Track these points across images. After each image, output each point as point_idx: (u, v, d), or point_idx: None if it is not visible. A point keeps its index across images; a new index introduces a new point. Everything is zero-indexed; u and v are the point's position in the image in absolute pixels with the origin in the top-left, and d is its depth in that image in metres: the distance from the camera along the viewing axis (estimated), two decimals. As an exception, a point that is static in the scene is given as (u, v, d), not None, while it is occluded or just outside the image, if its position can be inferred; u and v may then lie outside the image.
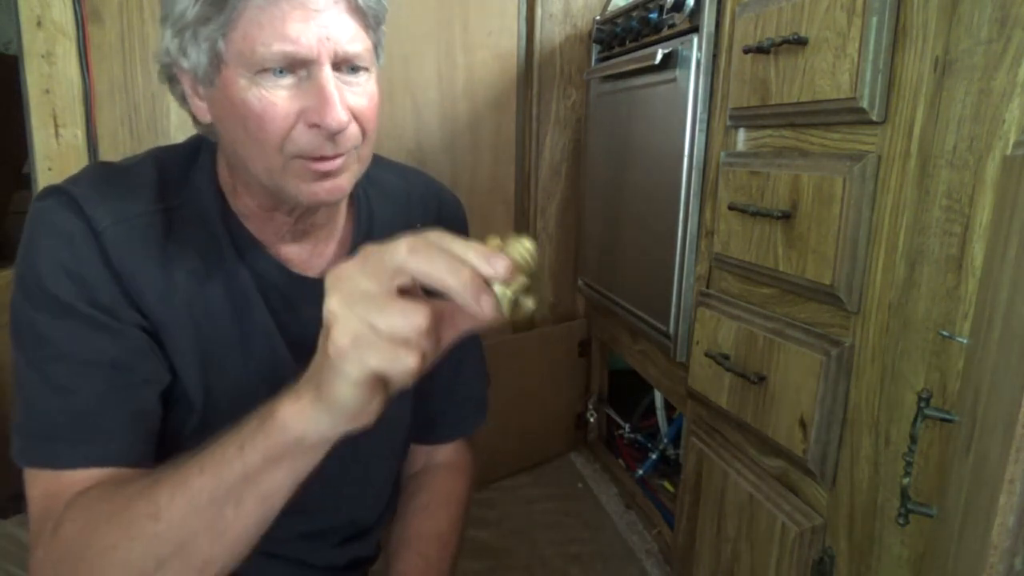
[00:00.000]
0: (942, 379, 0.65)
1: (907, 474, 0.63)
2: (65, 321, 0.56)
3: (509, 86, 1.71)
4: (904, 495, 0.63)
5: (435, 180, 0.83)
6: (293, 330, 0.66)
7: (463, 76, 1.65)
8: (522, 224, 1.80)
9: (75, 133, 1.22)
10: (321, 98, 0.54)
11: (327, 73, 0.55)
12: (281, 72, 0.54)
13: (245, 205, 0.64)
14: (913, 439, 0.62)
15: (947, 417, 0.61)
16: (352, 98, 0.57)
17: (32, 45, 1.15)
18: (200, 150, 0.66)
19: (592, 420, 1.92)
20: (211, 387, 0.62)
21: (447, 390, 0.82)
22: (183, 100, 0.61)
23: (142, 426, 0.60)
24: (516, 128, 1.74)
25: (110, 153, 1.25)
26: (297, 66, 0.54)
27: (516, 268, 0.41)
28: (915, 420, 0.61)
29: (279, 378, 0.64)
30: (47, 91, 1.18)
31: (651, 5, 1.32)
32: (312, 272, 0.68)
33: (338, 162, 0.58)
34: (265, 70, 0.54)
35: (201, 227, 0.62)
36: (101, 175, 0.62)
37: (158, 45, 0.58)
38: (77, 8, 1.18)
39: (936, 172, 0.66)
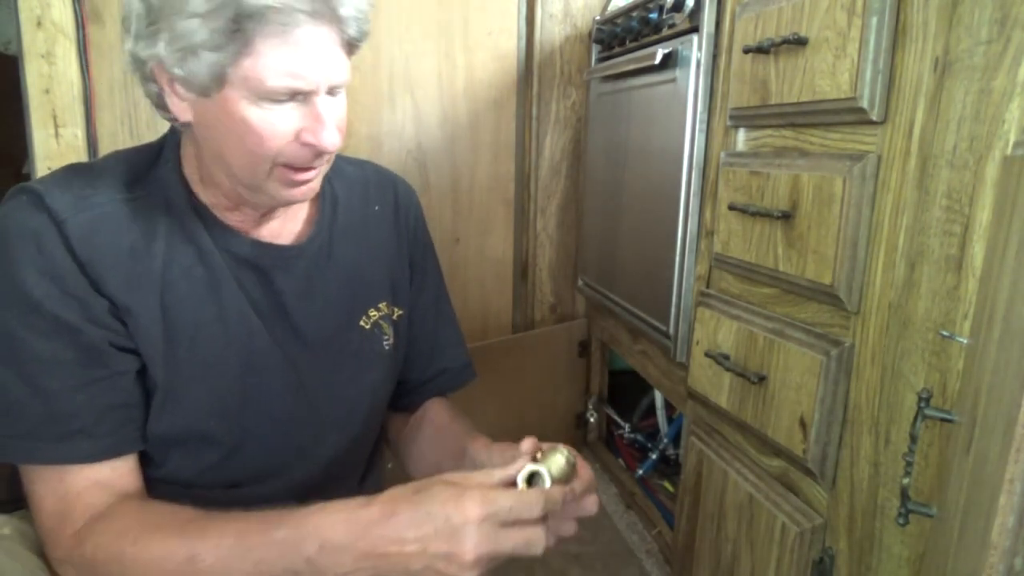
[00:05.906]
0: (942, 379, 0.65)
1: (907, 474, 0.63)
2: (37, 319, 0.58)
3: (509, 86, 1.71)
4: (904, 495, 0.63)
5: (386, 168, 0.89)
6: (265, 297, 0.71)
7: (463, 76, 1.65)
8: (522, 224, 1.80)
9: (75, 133, 1.22)
10: (319, 123, 0.61)
11: (323, 100, 0.61)
12: (282, 99, 0.59)
13: (213, 196, 0.68)
14: (913, 439, 0.62)
15: (947, 417, 0.61)
16: (335, 115, 0.63)
17: (32, 45, 1.15)
18: (164, 147, 0.70)
19: (592, 420, 1.92)
20: (177, 364, 0.65)
21: (426, 359, 0.89)
22: (158, 97, 0.64)
23: (126, 416, 0.63)
24: (516, 128, 1.74)
25: (110, 153, 1.25)
26: (297, 94, 0.60)
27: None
28: (915, 420, 0.61)
29: (253, 346, 0.70)
30: (47, 91, 1.18)
31: (651, 5, 1.32)
32: (281, 241, 0.73)
33: (318, 170, 0.65)
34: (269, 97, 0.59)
35: (167, 214, 0.66)
36: (67, 172, 0.65)
37: (147, 50, 0.59)
38: (77, 8, 1.18)
39: (936, 172, 0.66)
